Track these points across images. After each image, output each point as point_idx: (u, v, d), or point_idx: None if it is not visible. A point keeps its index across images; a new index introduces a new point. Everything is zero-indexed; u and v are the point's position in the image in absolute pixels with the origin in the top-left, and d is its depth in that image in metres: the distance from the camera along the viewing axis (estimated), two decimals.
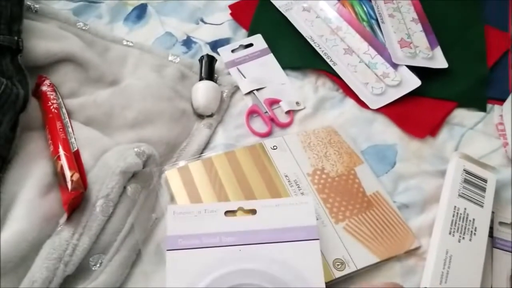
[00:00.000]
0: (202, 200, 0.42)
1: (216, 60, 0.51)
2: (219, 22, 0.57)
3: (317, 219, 0.41)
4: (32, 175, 0.38)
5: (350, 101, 0.50)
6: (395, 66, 0.51)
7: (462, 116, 0.50)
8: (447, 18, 0.57)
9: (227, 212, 0.40)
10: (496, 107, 0.51)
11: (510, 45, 0.55)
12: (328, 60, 0.52)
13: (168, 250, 0.37)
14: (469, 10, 0.58)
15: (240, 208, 0.40)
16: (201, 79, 0.49)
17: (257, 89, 0.50)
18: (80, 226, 0.37)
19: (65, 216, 0.37)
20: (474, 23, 0.57)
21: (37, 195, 0.37)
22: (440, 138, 0.48)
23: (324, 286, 0.36)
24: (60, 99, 0.44)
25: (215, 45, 0.54)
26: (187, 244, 0.38)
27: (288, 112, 0.49)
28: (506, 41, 0.55)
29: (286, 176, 0.43)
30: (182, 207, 0.40)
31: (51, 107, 0.42)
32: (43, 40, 0.47)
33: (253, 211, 0.40)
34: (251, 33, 0.55)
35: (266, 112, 0.49)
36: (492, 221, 0.41)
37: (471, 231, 0.39)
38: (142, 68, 0.50)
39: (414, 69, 0.51)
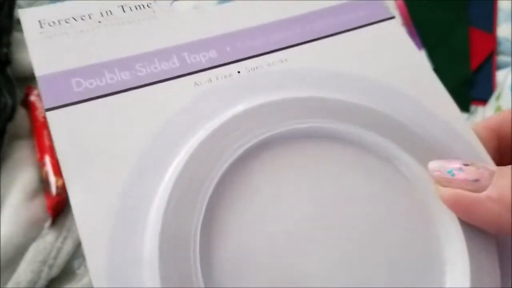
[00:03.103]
0: None
1: None
2: None
3: None
4: (19, 181, 0.40)
5: None
6: None
7: None
8: (432, 21, 0.59)
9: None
10: (480, 107, 0.52)
11: (494, 47, 0.57)
12: None
13: (49, 109, 0.17)
14: (453, 12, 0.60)
15: None
16: None
17: None
18: (64, 230, 0.39)
19: (49, 220, 0.39)
20: (459, 25, 0.59)
21: (23, 200, 0.39)
22: None
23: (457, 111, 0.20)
24: None
25: None
26: (98, 87, 0.18)
27: None
28: (491, 43, 0.57)
29: None
30: (58, 7, 0.20)
31: (39, 116, 0.45)
32: None
33: None
34: None
35: None
36: None
37: None
38: None
39: None
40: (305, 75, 0.20)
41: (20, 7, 0.53)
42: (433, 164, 0.18)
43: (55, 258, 0.38)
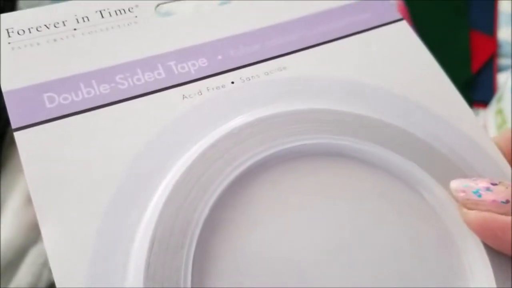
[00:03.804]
0: None
1: None
2: None
3: None
4: (19, 184, 0.40)
5: None
6: None
7: None
8: (433, 23, 0.59)
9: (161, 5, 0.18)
10: (481, 110, 0.52)
11: (495, 49, 0.57)
12: None
13: (18, 129, 0.15)
14: (454, 15, 0.60)
15: None
16: None
17: None
18: None
19: None
20: (459, 27, 0.58)
21: (24, 203, 0.39)
22: None
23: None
24: None
25: None
26: (74, 103, 0.16)
27: None
28: (491, 45, 0.57)
29: None
30: (28, 13, 0.17)
31: None
32: None
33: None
34: None
35: None
36: None
37: None
38: None
39: None
40: (306, 84, 0.17)
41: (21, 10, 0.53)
42: (456, 184, 0.16)
43: None
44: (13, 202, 0.39)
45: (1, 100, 0.41)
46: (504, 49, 0.56)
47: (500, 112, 0.49)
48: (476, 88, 0.53)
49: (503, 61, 0.56)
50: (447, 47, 0.56)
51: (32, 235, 0.38)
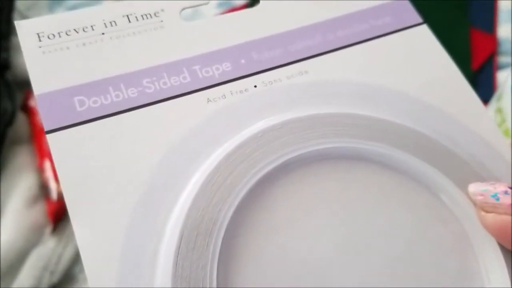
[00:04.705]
0: None
1: None
2: None
3: None
4: (19, 186, 0.40)
5: None
6: None
7: None
8: (432, 21, 0.59)
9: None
10: None
11: (495, 47, 0.57)
12: None
13: (50, 131, 0.16)
14: (454, 13, 0.60)
15: None
16: None
17: None
18: (65, 236, 0.39)
19: (50, 226, 0.39)
20: (459, 25, 0.59)
21: (24, 206, 0.39)
22: None
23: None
24: None
25: None
26: (103, 106, 0.17)
27: None
28: (491, 43, 0.57)
29: None
30: (57, 18, 0.18)
31: (38, 121, 0.45)
32: None
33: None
34: None
35: None
36: None
37: None
38: None
39: None
40: (328, 88, 0.18)
41: (19, 11, 0.53)
42: (474, 187, 0.16)
43: (57, 264, 0.38)
44: (14, 204, 0.39)
45: (1, 101, 0.41)
46: (504, 46, 0.57)
47: (499, 111, 0.49)
48: (476, 87, 0.53)
49: (503, 59, 0.56)
50: (447, 45, 0.56)
51: (33, 238, 0.38)
